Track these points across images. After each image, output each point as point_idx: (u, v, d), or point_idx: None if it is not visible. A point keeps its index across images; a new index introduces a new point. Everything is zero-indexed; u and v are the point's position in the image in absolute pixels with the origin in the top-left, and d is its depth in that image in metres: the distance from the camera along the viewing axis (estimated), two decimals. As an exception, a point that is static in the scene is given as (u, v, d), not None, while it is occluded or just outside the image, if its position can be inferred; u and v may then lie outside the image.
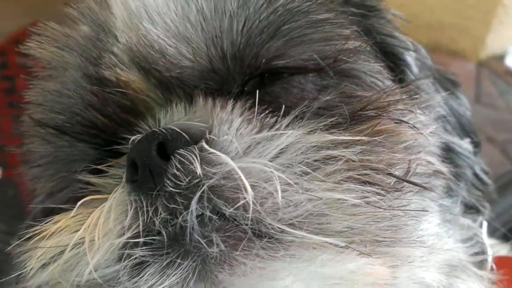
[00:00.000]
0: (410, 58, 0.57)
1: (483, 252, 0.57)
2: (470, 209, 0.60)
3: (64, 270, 0.45)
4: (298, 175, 0.40)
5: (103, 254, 0.42)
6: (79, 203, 0.46)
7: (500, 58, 3.25)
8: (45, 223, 0.48)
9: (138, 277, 0.41)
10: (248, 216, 0.39)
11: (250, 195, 0.39)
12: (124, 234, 0.42)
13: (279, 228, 0.39)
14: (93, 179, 0.49)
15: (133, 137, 0.46)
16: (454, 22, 3.22)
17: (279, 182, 0.39)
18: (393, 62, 0.56)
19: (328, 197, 0.40)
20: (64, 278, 0.45)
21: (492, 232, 0.68)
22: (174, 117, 0.48)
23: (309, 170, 0.40)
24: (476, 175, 0.62)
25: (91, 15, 0.54)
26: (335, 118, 0.45)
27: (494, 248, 0.64)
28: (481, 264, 0.56)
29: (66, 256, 0.45)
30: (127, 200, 0.43)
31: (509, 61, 3.22)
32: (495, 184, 1.15)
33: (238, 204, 0.39)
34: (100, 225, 0.43)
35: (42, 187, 0.55)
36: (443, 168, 0.51)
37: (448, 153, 0.56)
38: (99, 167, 0.50)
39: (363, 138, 0.43)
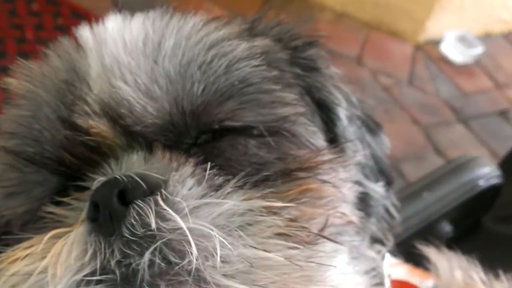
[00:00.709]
0: (341, 112, 0.67)
1: (382, 283, 0.67)
2: (376, 241, 0.71)
3: None
4: (233, 235, 0.49)
5: (63, 286, 0.49)
6: (48, 234, 0.52)
7: (437, 43, 3.42)
8: (15, 249, 0.54)
9: None
10: (191, 267, 0.47)
11: (194, 251, 0.47)
12: (82, 270, 0.49)
13: (215, 278, 0.48)
14: (57, 210, 0.56)
15: (97, 179, 0.53)
16: (398, 3, 3.33)
17: (218, 241, 0.48)
18: (327, 115, 0.66)
19: (254, 255, 0.49)
20: None
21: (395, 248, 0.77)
22: (134, 164, 0.55)
23: (242, 232, 0.49)
24: (386, 210, 0.73)
25: (67, 58, 0.60)
26: (273, 181, 0.54)
27: (394, 269, 0.74)
28: None
29: (31, 282, 0.51)
30: (87, 239, 0.50)
31: (444, 47, 3.38)
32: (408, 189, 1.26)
33: (186, 258, 0.47)
34: (63, 258, 0.50)
35: (6, 209, 0.60)
36: (355, 218, 0.61)
37: (363, 198, 0.67)
38: (63, 199, 0.56)
39: (291, 204, 0.52)
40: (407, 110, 2.85)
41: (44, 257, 0.51)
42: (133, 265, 0.48)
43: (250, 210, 0.50)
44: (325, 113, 0.65)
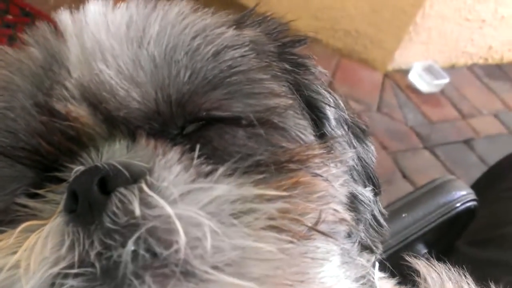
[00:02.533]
0: (330, 112, 0.64)
1: None
2: (365, 249, 0.68)
3: None
4: (224, 224, 0.45)
5: (37, 281, 0.45)
6: (20, 227, 0.48)
7: (405, 72, 3.50)
8: None
9: None
10: (179, 258, 0.43)
11: (182, 239, 0.43)
12: (59, 263, 0.45)
13: (203, 270, 0.44)
14: (30, 202, 0.51)
15: (76, 168, 0.49)
16: (369, 32, 3.40)
17: (208, 230, 0.44)
18: (316, 114, 0.63)
19: (248, 246, 0.45)
20: None
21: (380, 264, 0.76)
22: (116, 153, 0.51)
23: (234, 220, 0.45)
24: (374, 217, 0.70)
25: (45, 44, 0.56)
26: (261, 167, 0.51)
27: (380, 283, 0.73)
28: None
29: (1, 278, 0.47)
30: (64, 229, 0.46)
31: (411, 76, 3.47)
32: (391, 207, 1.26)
33: (173, 248, 0.43)
34: (36, 250, 0.46)
35: None
36: (347, 216, 0.57)
37: (353, 200, 0.64)
38: (38, 191, 0.51)
39: (284, 193, 0.49)
40: (376, 135, 2.89)
41: (15, 252, 0.47)
42: (115, 256, 0.43)
43: (243, 197, 0.47)
44: (313, 112, 0.62)
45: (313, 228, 0.50)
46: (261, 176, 0.49)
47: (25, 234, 0.48)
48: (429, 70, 3.41)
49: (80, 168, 0.49)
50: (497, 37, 3.73)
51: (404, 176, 2.74)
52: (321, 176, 0.54)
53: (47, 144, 0.52)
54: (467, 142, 3.10)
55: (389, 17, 3.30)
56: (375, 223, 0.70)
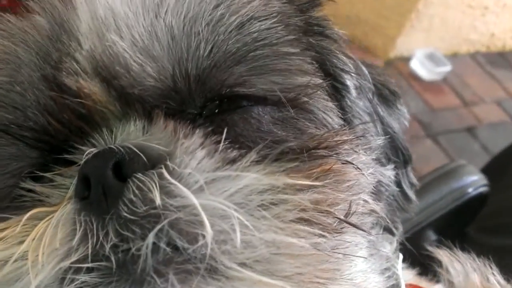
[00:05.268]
0: (350, 82, 0.59)
1: (397, 285, 0.61)
2: (384, 230, 0.64)
3: (2, 285, 0.43)
4: (253, 216, 0.41)
5: (46, 275, 0.41)
6: (27, 214, 0.44)
7: (407, 60, 3.46)
8: None
9: None
10: (204, 253, 0.39)
11: (209, 233, 0.39)
12: (70, 255, 0.40)
13: (232, 268, 0.40)
14: (37, 187, 0.47)
15: (88, 150, 0.44)
16: (370, 19, 3.35)
17: (237, 223, 0.39)
18: (333, 85, 0.58)
19: (279, 240, 0.41)
20: None
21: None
22: (131, 134, 0.47)
23: (264, 212, 0.41)
24: (402, 191, 0.66)
25: (52, 12, 0.51)
26: (291, 154, 0.46)
27: (403, 272, 0.69)
28: None
29: (6, 270, 0.43)
30: (76, 218, 0.41)
31: (413, 64, 3.43)
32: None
33: (198, 243, 0.39)
34: (45, 241, 0.41)
35: None
36: (377, 206, 0.53)
37: (377, 187, 0.59)
38: (46, 174, 0.47)
39: (317, 183, 0.45)
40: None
41: (22, 241, 0.43)
42: (133, 250, 0.39)
43: (273, 187, 0.42)
44: (332, 84, 0.57)
45: (344, 220, 0.46)
46: (291, 164, 0.45)
47: (32, 222, 0.44)
48: (431, 57, 3.37)
49: (93, 150, 0.44)
50: (500, 24, 3.69)
51: (407, 164, 2.71)
52: (352, 163, 0.50)
53: (56, 122, 0.48)
54: (470, 130, 3.07)
55: (391, 4, 3.25)
56: (401, 199, 0.66)
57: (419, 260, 0.72)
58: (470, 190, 1.16)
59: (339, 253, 0.45)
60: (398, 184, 0.66)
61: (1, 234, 0.44)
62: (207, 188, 0.41)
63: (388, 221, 0.63)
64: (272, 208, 0.42)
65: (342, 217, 0.46)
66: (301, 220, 0.43)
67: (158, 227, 0.39)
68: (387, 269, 0.60)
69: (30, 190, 0.48)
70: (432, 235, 1.24)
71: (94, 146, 0.47)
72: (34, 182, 0.48)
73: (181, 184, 0.40)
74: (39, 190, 0.47)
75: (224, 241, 0.40)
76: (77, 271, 0.40)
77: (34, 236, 0.42)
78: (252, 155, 0.44)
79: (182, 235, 0.39)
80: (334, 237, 0.45)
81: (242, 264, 0.40)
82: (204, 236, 0.39)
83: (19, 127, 0.49)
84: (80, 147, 0.47)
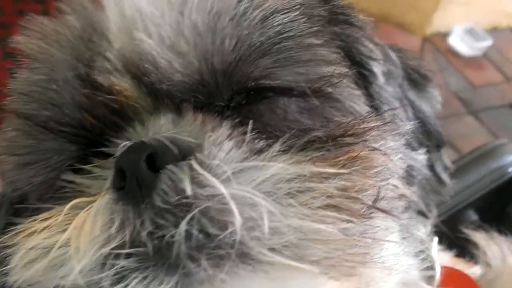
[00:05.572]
0: (377, 68, 0.59)
1: (432, 267, 0.61)
2: (418, 213, 0.64)
3: (48, 270, 0.46)
4: (281, 204, 0.42)
5: (88, 261, 0.43)
6: (69, 204, 0.47)
7: (445, 36, 3.38)
8: (32, 221, 0.48)
9: (121, 286, 0.43)
10: (234, 239, 0.41)
11: (238, 220, 0.41)
12: (109, 242, 0.43)
13: (261, 253, 0.42)
14: (78, 178, 0.50)
15: (122, 143, 0.47)
16: (405, -5, 3.28)
17: (265, 210, 0.41)
18: (360, 72, 0.58)
19: (306, 226, 0.42)
20: (47, 278, 0.46)
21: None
22: (162, 127, 0.49)
23: (291, 200, 0.43)
24: (436, 175, 0.66)
25: (83, 13, 0.53)
26: (317, 143, 0.47)
27: (438, 256, 0.69)
28: (430, 279, 0.61)
29: (51, 256, 0.45)
30: (114, 208, 0.44)
31: (452, 40, 3.34)
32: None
33: (228, 230, 0.41)
34: (86, 229, 0.44)
35: (21, 179, 0.55)
36: (407, 191, 0.54)
37: (409, 171, 0.59)
38: (85, 167, 0.50)
39: (343, 171, 0.46)
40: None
41: (65, 230, 0.45)
42: (167, 236, 0.41)
43: (299, 176, 0.44)
44: (359, 72, 0.58)
45: (372, 206, 0.47)
46: (317, 153, 0.46)
47: (74, 211, 0.46)
48: (470, 32, 3.29)
49: (127, 143, 0.46)
50: (542, -5, 3.55)
51: (448, 143, 2.66)
52: (379, 150, 0.50)
53: (91, 117, 0.51)
54: (512, 106, 2.99)
55: (426, -22, 3.18)
56: (435, 182, 0.66)
57: (457, 242, 0.72)
58: (510, 169, 1.14)
59: (368, 237, 0.46)
60: (431, 168, 0.66)
61: (45, 223, 0.47)
62: (235, 178, 0.43)
63: (422, 204, 0.63)
64: (298, 196, 0.43)
65: (370, 203, 0.47)
66: (328, 207, 0.44)
67: (190, 215, 0.41)
68: (421, 251, 0.61)
69: (71, 182, 0.50)
70: (472, 215, 1.22)
71: (128, 139, 0.49)
72: (74, 174, 0.51)
73: (210, 175, 0.42)
74: (79, 182, 0.50)
75: (253, 228, 0.41)
76: (117, 256, 0.43)
77: (75, 225, 0.45)
78: (278, 145, 0.45)
79: (213, 223, 0.41)
80: (362, 222, 0.46)
81: (272, 249, 0.42)
82: (233, 224, 0.41)
83: (57, 123, 0.52)
84: (115, 140, 0.49)
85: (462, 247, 0.72)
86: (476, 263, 0.70)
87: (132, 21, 0.50)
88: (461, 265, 0.71)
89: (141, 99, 0.50)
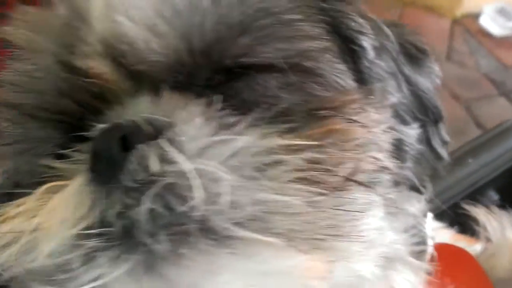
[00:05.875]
0: (366, 43, 0.58)
1: (423, 242, 0.60)
2: (412, 189, 0.62)
3: (20, 254, 0.46)
4: (246, 177, 0.42)
5: (58, 242, 0.44)
6: (42, 188, 0.47)
7: (475, 16, 3.28)
8: (6, 207, 0.49)
9: (89, 266, 0.43)
10: (197, 215, 0.41)
11: (200, 195, 0.41)
12: (79, 224, 0.44)
13: (224, 227, 0.41)
14: (56, 164, 0.50)
15: (98, 127, 0.47)
16: (433, -23, 3.19)
17: (228, 184, 0.41)
18: (350, 48, 0.57)
19: (272, 199, 0.42)
20: (18, 262, 0.47)
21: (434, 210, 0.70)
22: (140, 108, 0.49)
23: (257, 174, 0.42)
24: (432, 150, 0.64)
25: (71, 1, 0.54)
26: (292, 118, 0.47)
27: (437, 233, 0.67)
28: (420, 254, 0.59)
29: (23, 241, 0.46)
30: (86, 189, 0.44)
31: (483, 20, 3.24)
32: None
33: (189, 204, 0.41)
34: (57, 212, 0.45)
35: (7, 167, 0.56)
36: (390, 163, 0.52)
37: (398, 145, 0.58)
38: (64, 151, 0.50)
39: (314, 142, 0.45)
40: (446, 85, 2.74)
41: (38, 214, 0.46)
42: (133, 215, 0.42)
43: (267, 149, 0.44)
44: (348, 47, 0.57)
45: (349, 179, 0.46)
46: (287, 125, 0.46)
47: (48, 195, 0.47)
48: (502, 12, 3.18)
49: (101, 126, 0.47)
50: None
51: (479, 126, 2.59)
52: (358, 122, 0.49)
53: (72, 102, 0.51)
54: (547, 87, 2.87)
55: (454, -42, 3.09)
56: (431, 157, 0.64)
57: (457, 219, 0.70)
58: (529, 147, 1.10)
59: (342, 210, 0.45)
60: (428, 142, 0.64)
61: (19, 209, 0.48)
62: (202, 153, 0.43)
63: (415, 179, 0.61)
64: (266, 169, 0.43)
65: (345, 175, 0.46)
66: (299, 180, 0.43)
67: (152, 191, 0.41)
68: (413, 227, 0.59)
69: (51, 168, 0.51)
70: (494, 195, 1.19)
71: (107, 122, 0.49)
72: (55, 160, 0.52)
73: (177, 151, 0.42)
74: (58, 167, 0.50)
75: (217, 202, 0.41)
76: (87, 237, 0.43)
77: (48, 208, 0.46)
78: (249, 119, 0.45)
79: (177, 199, 0.41)
80: (337, 195, 0.45)
81: (235, 224, 0.42)
82: (196, 199, 0.41)
83: (42, 110, 0.53)
84: (96, 124, 0.49)
85: (463, 223, 0.69)
86: (478, 240, 0.68)
87: (114, 5, 0.50)
88: (463, 242, 0.69)
89: (120, 81, 0.50)
